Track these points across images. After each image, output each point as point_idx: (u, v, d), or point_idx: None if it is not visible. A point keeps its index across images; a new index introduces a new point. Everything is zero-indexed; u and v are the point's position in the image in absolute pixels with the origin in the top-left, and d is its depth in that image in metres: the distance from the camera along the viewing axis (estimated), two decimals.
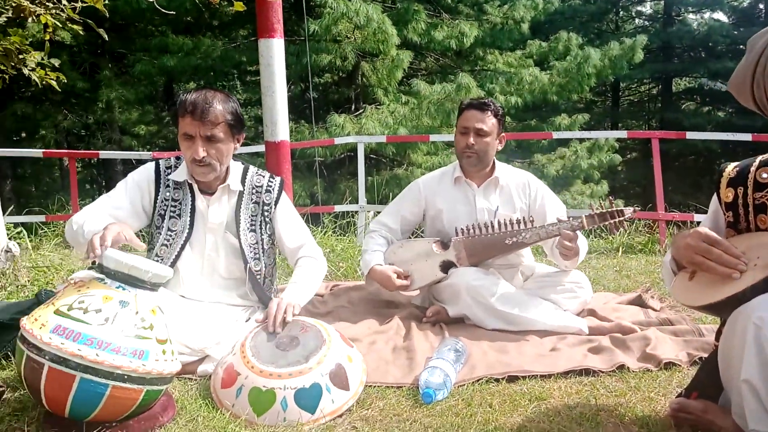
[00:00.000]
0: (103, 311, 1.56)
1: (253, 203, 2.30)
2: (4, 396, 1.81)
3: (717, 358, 1.49)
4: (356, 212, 5.47)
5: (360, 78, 10.36)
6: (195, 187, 2.23)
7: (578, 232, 2.46)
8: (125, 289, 1.64)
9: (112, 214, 2.13)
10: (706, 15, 18.02)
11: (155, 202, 2.22)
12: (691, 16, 18.10)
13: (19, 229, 4.56)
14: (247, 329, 2.04)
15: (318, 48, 9.26)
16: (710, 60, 16.45)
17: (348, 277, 3.60)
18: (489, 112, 2.63)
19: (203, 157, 2.09)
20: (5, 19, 3.08)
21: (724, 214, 1.57)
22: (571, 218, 2.48)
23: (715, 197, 1.62)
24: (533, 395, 1.88)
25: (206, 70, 10.81)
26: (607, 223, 2.43)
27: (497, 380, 2.00)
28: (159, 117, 12.11)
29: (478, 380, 1.99)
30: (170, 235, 2.21)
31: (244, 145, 2.28)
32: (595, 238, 5.03)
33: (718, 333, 1.58)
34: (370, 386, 1.96)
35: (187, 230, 2.22)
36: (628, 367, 2.06)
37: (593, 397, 1.86)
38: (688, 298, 1.47)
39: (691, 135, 5.87)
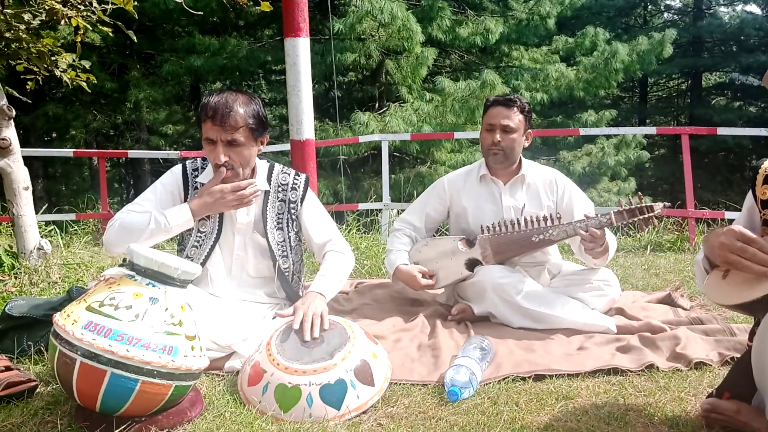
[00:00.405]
0: (133, 307, 1.59)
1: (279, 201, 2.30)
2: (38, 390, 1.85)
3: (750, 358, 1.46)
4: (380, 210, 5.48)
5: (384, 76, 10.37)
6: None
7: (606, 229, 2.42)
8: (155, 286, 1.66)
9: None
10: (739, 8, 17.62)
11: None
12: (722, 9, 17.73)
13: (50, 228, 4.67)
14: (274, 326, 2.05)
15: (342, 47, 9.30)
16: (742, 54, 16.09)
17: (373, 275, 3.60)
18: (515, 108, 2.60)
19: (225, 162, 2.11)
20: (39, 22, 3.16)
21: (760, 212, 1.53)
22: (599, 215, 2.45)
23: (750, 195, 1.58)
24: (560, 394, 1.86)
25: (232, 70, 10.94)
26: (636, 219, 2.38)
27: (524, 379, 1.98)
28: (186, 116, 12.28)
29: (504, 379, 1.98)
30: (200, 237, 2.24)
31: (269, 143, 2.29)
32: (623, 236, 4.96)
33: (752, 333, 1.54)
34: (396, 384, 1.96)
35: (216, 231, 2.24)
36: (657, 367, 2.02)
37: (621, 396, 1.84)
38: (722, 297, 1.44)
39: (722, 131, 5.76)
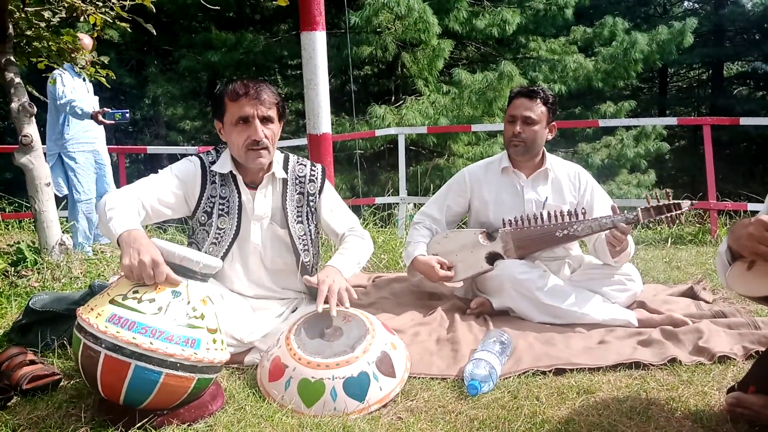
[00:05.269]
0: (156, 301, 1.61)
1: (297, 194, 2.27)
2: (61, 383, 1.88)
3: None
4: (397, 204, 5.47)
5: (400, 69, 10.33)
6: (240, 180, 2.18)
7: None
8: None
9: (154, 201, 2.05)
10: None
11: (200, 199, 2.16)
12: None
13: (71, 223, 4.72)
14: (292, 321, 2.05)
15: (358, 40, 9.28)
16: (765, 42, 15.76)
17: (390, 269, 3.60)
18: (538, 100, 2.58)
19: (263, 139, 2.06)
20: (58, 19, 3.19)
21: None
22: (625, 212, 2.43)
23: None
24: (581, 388, 1.84)
25: (248, 65, 10.97)
26: (662, 216, 2.36)
27: (544, 373, 1.97)
28: (203, 112, 12.33)
29: (524, 373, 1.97)
30: (219, 233, 2.17)
31: (285, 138, 2.28)
32: (643, 228, 4.90)
33: None
34: (415, 378, 1.96)
35: (235, 228, 2.18)
36: (680, 361, 2.00)
37: (643, 390, 1.82)
38: (748, 289, 1.42)
39: (745, 121, 5.64)
